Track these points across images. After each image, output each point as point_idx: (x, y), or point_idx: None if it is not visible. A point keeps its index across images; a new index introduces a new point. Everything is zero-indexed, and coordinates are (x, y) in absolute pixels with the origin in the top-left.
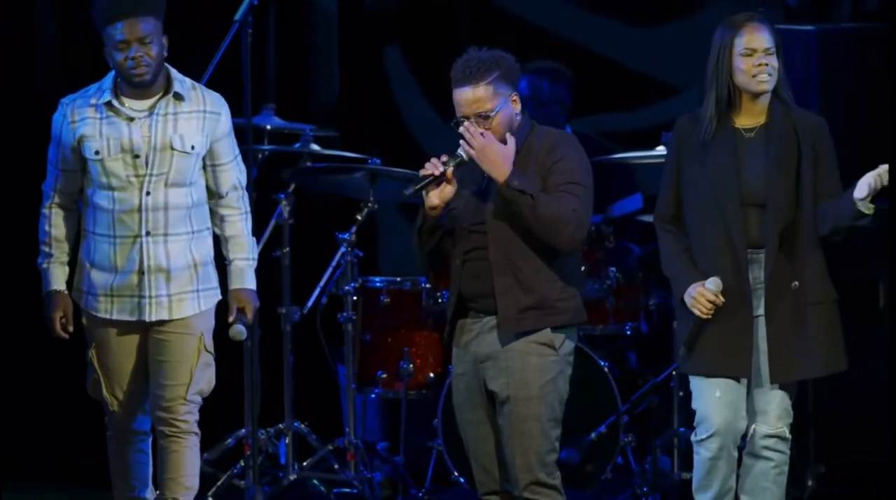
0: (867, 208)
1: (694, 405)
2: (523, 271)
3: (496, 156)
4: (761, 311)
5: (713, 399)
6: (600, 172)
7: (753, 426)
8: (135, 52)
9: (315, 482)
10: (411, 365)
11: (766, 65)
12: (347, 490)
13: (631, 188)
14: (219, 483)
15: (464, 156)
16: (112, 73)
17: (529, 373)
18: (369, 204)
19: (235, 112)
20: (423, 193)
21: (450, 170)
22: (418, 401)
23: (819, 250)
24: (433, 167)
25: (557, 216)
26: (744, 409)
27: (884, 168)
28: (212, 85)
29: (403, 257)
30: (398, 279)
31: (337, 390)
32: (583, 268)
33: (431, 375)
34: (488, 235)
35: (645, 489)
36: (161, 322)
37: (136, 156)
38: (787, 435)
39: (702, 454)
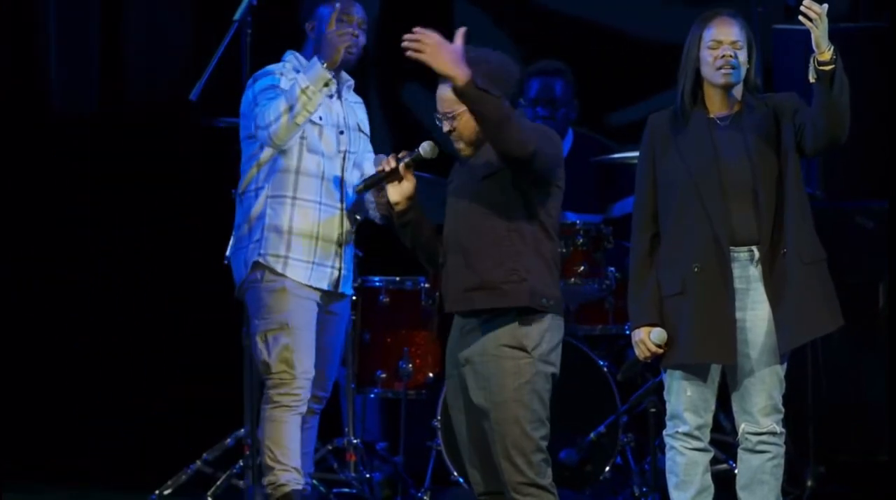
0: (822, 56)
1: (666, 397)
2: (470, 252)
3: (452, 55)
4: (746, 305)
5: (684, 396)
6: (601, 171)
7: (742, 426)
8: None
9: (315, 481)
10: (410, 365)
11: (731, 56)
12: (347, 490)
13: (631, 188)
14: (218, 483)
15: (421, 152)
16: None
17: (504, 377)
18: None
19: (235, 112)
20: (378, 188)
21: (402, 166)
22: (418, 401)
23: (807, 209)
24: (385, 164)
25: (520, 126)
26: (713, 405)
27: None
28: (212, 85)
29: (403, 256)
30: (398, 279)
31: (336, 390)
32: (582, 268)
33: (431, 375)
34: (446, 215)
35: (644, 490)
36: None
37: (341, 132)
38: (778, 430)
39: (677, 449)
